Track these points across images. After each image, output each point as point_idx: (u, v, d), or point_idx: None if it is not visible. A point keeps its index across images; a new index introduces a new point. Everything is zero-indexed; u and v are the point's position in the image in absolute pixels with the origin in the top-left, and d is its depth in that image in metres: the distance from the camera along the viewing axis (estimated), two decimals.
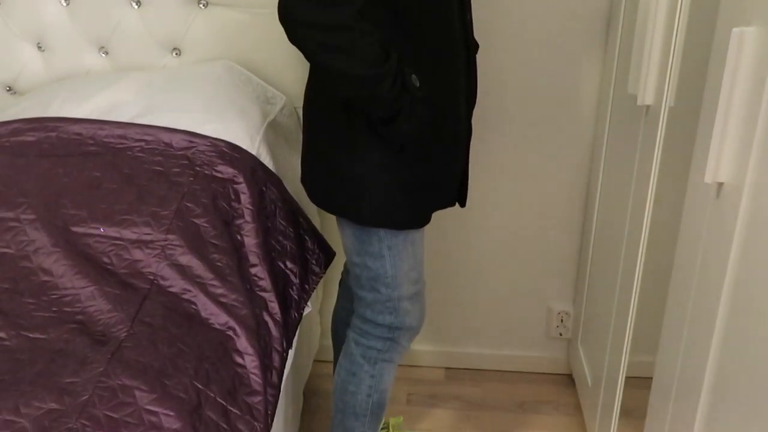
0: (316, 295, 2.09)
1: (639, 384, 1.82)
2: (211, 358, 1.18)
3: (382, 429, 1.79)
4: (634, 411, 1.83)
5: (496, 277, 2.10)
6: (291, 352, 1.48)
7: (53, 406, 1.00)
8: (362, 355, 1.44)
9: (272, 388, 1.29)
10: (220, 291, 1.30)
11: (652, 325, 1.92)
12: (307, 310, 1.56)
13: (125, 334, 1.15)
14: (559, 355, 2.18)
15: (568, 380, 2.16)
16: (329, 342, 2.19)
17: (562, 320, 2.12)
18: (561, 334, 2.14)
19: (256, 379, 1.21)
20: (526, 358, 2.19)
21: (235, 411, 1.14)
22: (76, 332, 1.15)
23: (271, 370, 1.31)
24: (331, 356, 2.18)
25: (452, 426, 1.98)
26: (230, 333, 1.25)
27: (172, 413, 1.03)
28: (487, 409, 2.04)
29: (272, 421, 1.28)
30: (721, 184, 1.05)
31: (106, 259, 1.30)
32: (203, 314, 1.26)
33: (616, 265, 1.63)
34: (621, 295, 1.59)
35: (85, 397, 1.01)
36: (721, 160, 1.04)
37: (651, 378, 1.67)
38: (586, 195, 1.98)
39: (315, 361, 2.13)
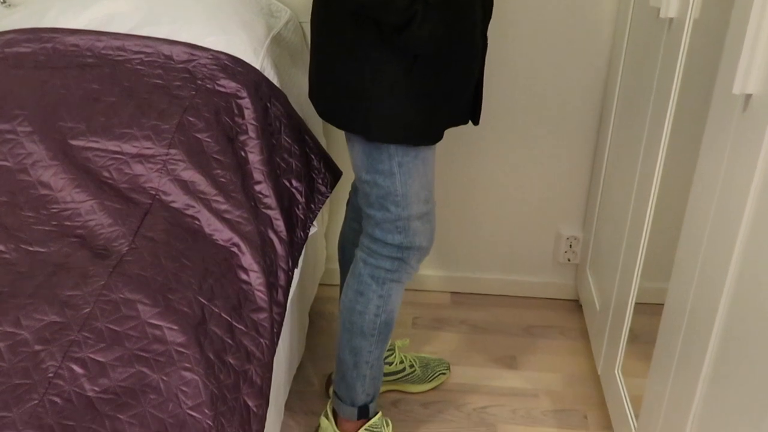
0: (321, 218, 2.06)
1: (647, 310, 1.80)
2: (216, 274, 1.15)
3: (388, 351, 1.78)
4: (642, 336, 1.82)
5: (505, 201, 2.06)
6: (297, 272, 1.46)
7: (54, 318, 0.98)
8: (370, 274, 1.42)
9: (278, 306, 1.27)
10: (224, 207, 1.27)
11: (664, 251, 1.88)
12: (312, 230, 1.53)
13: (127, 248, 1.12)
14: (566, 280, 2.16)
15: (575, 306, 2.15)
16: (334, 266, 2.17)
17: (570, 246, 2.09)
18: (569, 260, 2.11)
19: (261, 296, 1.19)
20: (533, 284, 2.17)
21: (240, 327, 1.12)
22: (77, 246, 1.12)
23: (276, 288, 1.28)
24: (336, 280, 2.17)
25: (458, 349, 1.97)
26: (234, 249, 1.22)
27: (176, 327, 1.00)
28: (492, 333, 2.04)
29: (278, 339, 1.26)
30: (749, 96, 1.00)
31: (106, 174, 1.26)
32: (207, 230, 1.23)
33: (630, 188, 1.59)
34: (634, 219, 1.56)
35: (86, 310, 0.99)
36: (750, 70, 0.98)
37: (661, 304, 1.64)
38: (600, 114, 1.93)
39: (320, 284, 2.11)
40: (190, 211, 1.24)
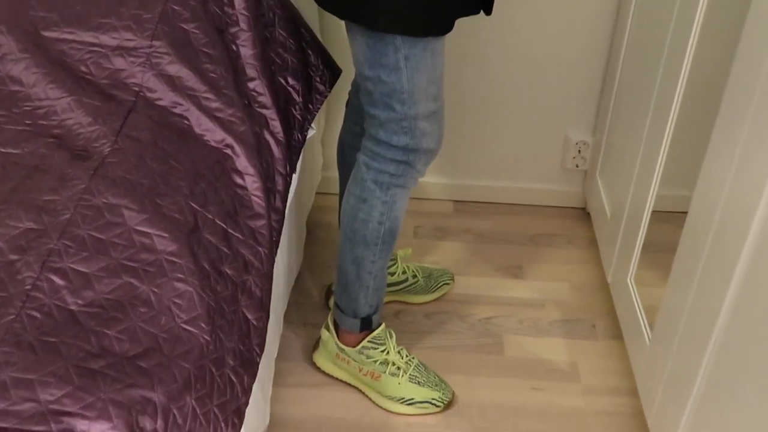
0: (318, 122, 1.94)
1: (661, 218, 1.72)
2: (208, 177, 1.05)
3: (390, 261, 1.70)
4: (653, 245, 1.75)
5: (511, 103, 1.95)
6: (295, 177, 1.36)
7: (30, 225, 0.88)
8: (374, 179, 1.32)
9: (276, 213, 1.18)
10: (215, 105, 1.15)
11: (685, 156, 1.79)
12: (311, 133, 1.42)
13: (109, 149, 1.01)
14: (574, 187, 2.07)
15: (583, 214, 2.07)
16: (331, 174, 2.07)
17: (579, 151, 1.99)
18: (577, 166, 2.02)
19: (258, 201, 1.09)
20: (538, 191, 2.08)
21: (236, 235, 1.03)
22: (54, 147, 1.02)
23: (274, 193, 1.19)
24: (333, 189, 2.07)
25: (461, 259, 1.90)
26: (228, 151, 1.12)
27: (166, 235, 0.91)
28: (497, 242, 1.96)
29: (277, 248, 1.17)
30: None
31: (83, 68, 1.14)
32: (197, 130, 1.12)
33: (650, 88, 1.48)
34: (654, 122, 1.45)
35: (66, 216, 0.89)
36: None
37: (677, 212, 1.56)
38: (618, 6, 1.79)
39: (317, 193, 2.02)
40: (178, 110, 1.13)
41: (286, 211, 1.34)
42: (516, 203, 2.10)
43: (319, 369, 1.58)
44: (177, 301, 0.86)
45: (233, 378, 0.89)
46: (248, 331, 0.97)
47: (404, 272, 1.73)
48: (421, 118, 1.26)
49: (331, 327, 1.54)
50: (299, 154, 1.36)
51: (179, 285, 0.87)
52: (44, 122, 1.07)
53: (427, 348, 1.65)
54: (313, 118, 1.40)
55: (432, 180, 2.08)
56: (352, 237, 1.38)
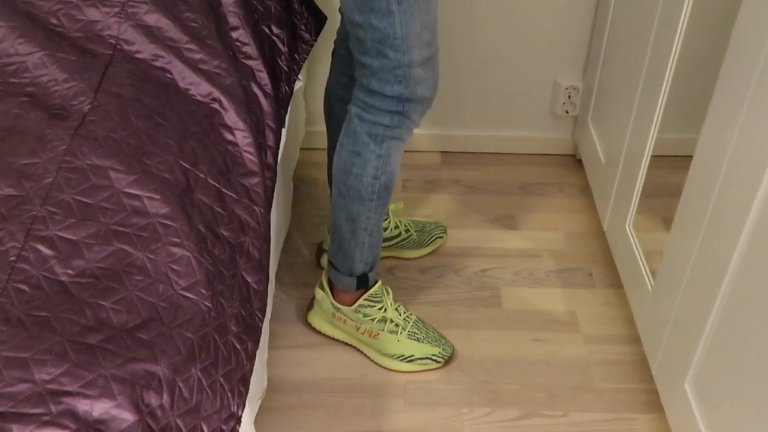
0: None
1: (657, 163, 1.68)
2: (197, 135, 0.99)
3: None
4: (649, 189, 1.72)
5: (498, 49, 1.88)
6: (284, 132, 1.29)
7: (10, 191, 0.82)
8: (367, 132, 1.26)
9: (269, 170, 1.12)
10: (198, 56, 1.08)
11: (686, 97, 1.75)
12: (298, 84, 1.36)
13: (89, 106, 0.94)
14: (564, 134, 2.03)
15: (573, 161, 2.03)
16: (314, 128, 2.01)
17: (569, 96, 1.94)
18: (567, 112, 1.97)
19: (250, 158, 1.03)
20: (527, 139, 2.04)
21: (230, 194, 0.97)
22: (28, 106, 0.94)
23: (265, 149, 1.13)
24: (318, 143, 2.01)
25: (452, 211, 1.86)
26: (216, 106, 1.05)
27: (157, 196, 0.85)
28: (487, 192, 1.92)
29: (270, 206, 1.12)
30: None
31: (54, 20, 1.06)
32: (181, 84, 1.05)
33: (648, 26, 1.42)
34: (653, 64, 1.40)
35: (48, 180, 0.83)
36: None
37: (672, 156, 1.53)
38: None
39: (301, 149, 1.95)
40: (159, 63, 1.06)
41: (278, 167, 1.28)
42: (505, 152, 2.06)
43: (314, 329, 1.54)
44: (174, 266, 0.81)
45: (237, 345, 0.84)
46: (249, 296, 0.91)
47: (397, 227, 1.69)
48: (415, 65, 1.20)
49: (326, 286, 1.49)
50: (287, 107, 1.29)
51: (175, 250, 0.82)
52: (15, 80, 0.99)
53: (424, 303, 1.61)
54: (299, 69, 1.34)
55: (418, 131, 2.02)
56: (346, 193, 1.33)
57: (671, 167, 1.59)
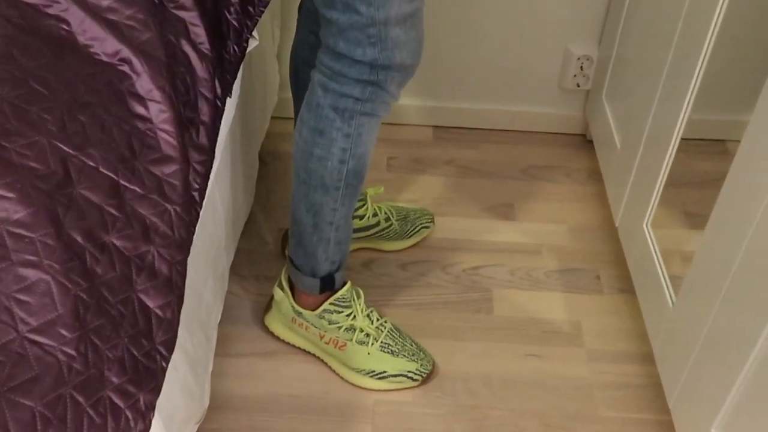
0: (272, 32, 1.62)
1: (680, 147, 1.44)
2: (92, 107, 0.74)
3: (358, 201, 1.42)
4: (674, 176, 1.47)
5: (502, 11, 1.63)
6: (231, 103, 1.05)
7: None
8: (332, 106, 1.02)
9: (199, 151, 0.88)
10: (106, 3, 0.83)
11: (725, 73, 1.48)
12: (252, 44, 1.10)
13: None
14: (573, 111, 1.78)
15: (583, 142, 1.79)
16: (290, 95, 1.76)
17: (581, 67, 1.69)
18: (578, 86, 1.72)
19: (167, 138, 0.79)
20: (532, 115, 1.79)
21: (133, 188, 0.73)
22: None
23: (196, 126, 0.89)
24: (292, 112, 1.76)
25: (442, 196, 1.62)
26: (125, 68, 0.80)
27: (11, 194, 0.61)
28: (484, 175, 1.68)
29: (202, 198, 0.88)
30: None
31: None
32: (81, 38, 0.81)
33: None
34: (687, 32, 1.15)
35: None
36: None
37: (700, 140, 1.30)
38: None
39: (273, 117, 1.71)
40: (53, 9, 0.81)
41: (223, 146, 1.04)
42: (506, 129, 1.81)
43: (272, 334, 1.31)
44: (22, 297, 0.57)
45: (119, 402, 0.61)
46: (148, 327, 0.68)
47: (375, 214, 1.45)
48: (393, 24, 0.95)
49: (285, 285, 1.26)
50: (236, 72, 1.04)
51: (28, 272, 0.58)
52: None
53: (403, 306, 1.39)
54: (254, 25, 1.08)
55: (407, 102, 1.78)
56: (306, 179, 1.09)
57: (697, 152, 1.36)
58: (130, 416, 0.62)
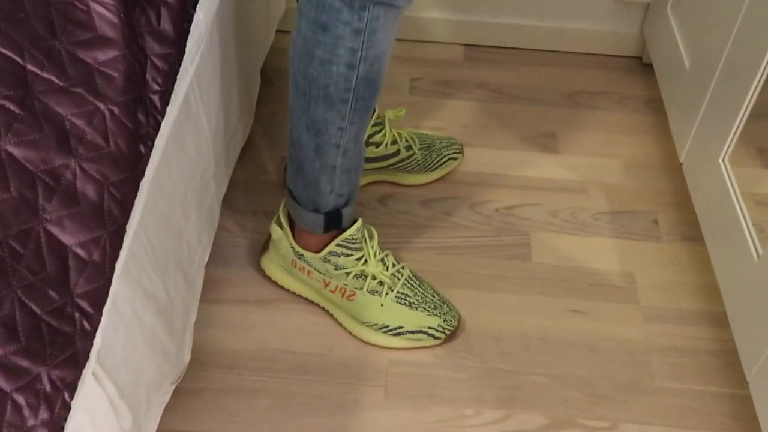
0: None
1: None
2: None
3: (374, 125, 1.20)
4: (759, 106, 1.24)
5: None
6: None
7: None
8: None
9: (160, 41, 0.66)
10: None
11: None
12: None
13: None
14: (629, 29, 1.54)
15: (639, 66, 1.55)
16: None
17: None
18: None
19: (104, 12, 0.57)
20: (579, 33, 1.55)
21: (46, 76, 0.52)
22: None
23: (155, 5, 0.67)
24: None
25: (473, 123, 1.41)
26: None
27: None
28: (522, 101, 1.46)
29: (165, 103, 0.66)
30: None
31: None
32: None
33: None
34: None
35: None
36: None
37: None
38: None
39: (278, 31, 1.48)
40: None
41: (204, 42, 0.83)
42: (548, 50, 1.58)
43: (269, 279, 1.12)
44: None
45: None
46: (61, 273, 0.48)
47: (394, 142, 1.23)
48: None
49: (284, 222, 1.06)
50: None
51: None
52: None
53: (424, 249, 1.18)
54: None
55: (434, 15, 1.55)
56: (306, 89, 0.88)
57: None
58: (21, 402, 0.43)
